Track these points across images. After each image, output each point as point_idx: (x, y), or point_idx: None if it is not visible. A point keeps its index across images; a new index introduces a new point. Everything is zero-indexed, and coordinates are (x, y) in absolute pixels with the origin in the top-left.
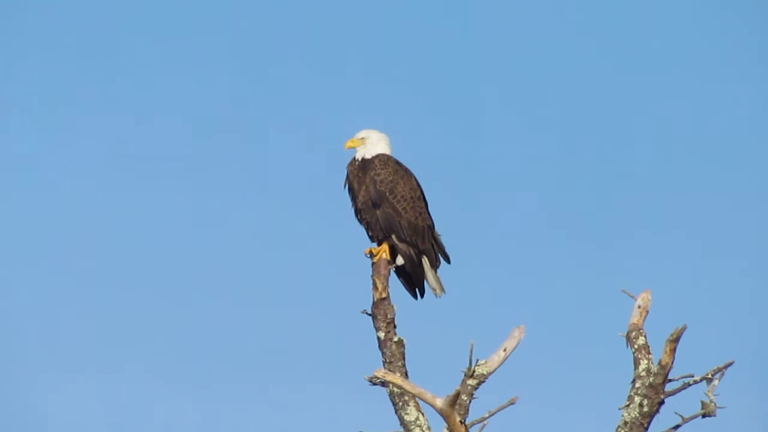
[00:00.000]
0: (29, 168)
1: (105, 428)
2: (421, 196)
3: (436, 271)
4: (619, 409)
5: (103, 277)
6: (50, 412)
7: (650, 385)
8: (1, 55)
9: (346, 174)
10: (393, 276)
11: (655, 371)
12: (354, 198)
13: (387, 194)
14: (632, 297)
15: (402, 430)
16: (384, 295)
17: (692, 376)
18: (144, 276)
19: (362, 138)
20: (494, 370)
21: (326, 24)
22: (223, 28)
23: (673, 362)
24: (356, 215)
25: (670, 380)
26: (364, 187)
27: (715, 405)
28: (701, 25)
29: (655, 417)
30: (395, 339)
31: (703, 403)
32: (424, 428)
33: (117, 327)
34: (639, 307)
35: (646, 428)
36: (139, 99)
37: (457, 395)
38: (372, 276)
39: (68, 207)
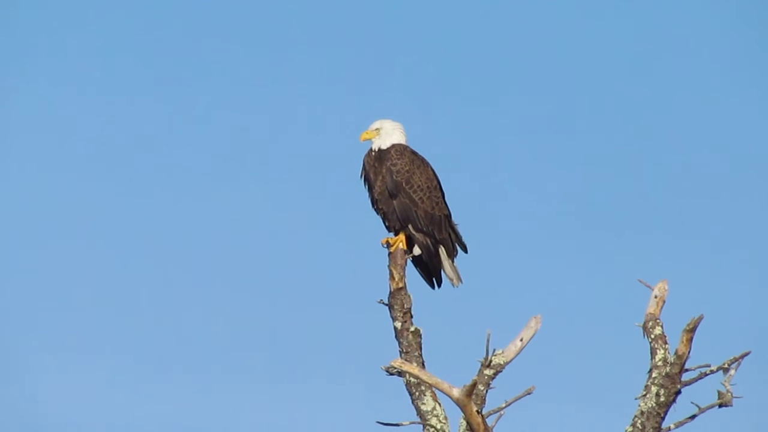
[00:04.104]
0: (26, 165)
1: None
2: (438, 186)
3: (453, 261)
4: (636, 398)
5: (123, 270)
6: (49, 411)
7: (667, 374)
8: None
9: (362, 165)
10: (410, 266)
11: (672, 361)
12: (370, 188)
13: (403, 184)
14: (649, 287)
15: (419, 420)
16: (401, 284)
17: (709, 366)
18: (159, 268)
19: (377, 129)
20: (511, 360)
21: (340, 16)
22: (236, 22)
23: (689, 352)
24: (373, 205)
25: (687, 370)
26: (380, 178)
27: (731, 395)
28: (728, 21)
29: (672, 407)
30: (412, 329)
31: (719, 393)
32: (440, 418)
33: (135, 325)
34: (656, 296)
35: (663, 418)
36: (142, 98)
37: (474, 385)
38: (389, 266)
39: (67, 204)
